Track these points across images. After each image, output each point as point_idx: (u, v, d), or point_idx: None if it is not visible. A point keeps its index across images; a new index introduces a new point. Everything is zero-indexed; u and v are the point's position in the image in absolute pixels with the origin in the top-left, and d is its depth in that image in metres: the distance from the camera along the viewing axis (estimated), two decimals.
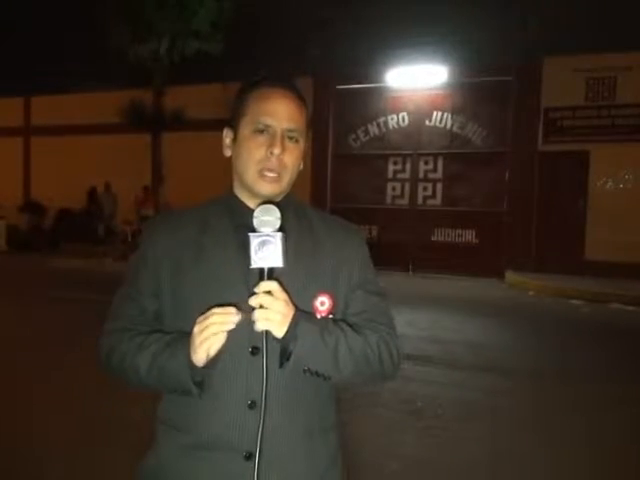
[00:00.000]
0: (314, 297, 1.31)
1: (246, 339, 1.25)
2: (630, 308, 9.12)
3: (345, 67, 13.30)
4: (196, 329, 1.18)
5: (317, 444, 1.34)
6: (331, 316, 1.31)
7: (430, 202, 13.18)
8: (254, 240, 1.18)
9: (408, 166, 13.29)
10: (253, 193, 1.35)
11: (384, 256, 13.22)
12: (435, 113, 12.96)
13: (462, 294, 10.63)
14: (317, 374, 1.25)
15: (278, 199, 1.37)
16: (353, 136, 13.75)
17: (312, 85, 13.92)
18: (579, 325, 8.07)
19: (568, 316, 8.70)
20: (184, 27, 13.39)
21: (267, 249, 1.18)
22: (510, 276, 11.76)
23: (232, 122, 1.36)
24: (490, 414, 4.27)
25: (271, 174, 1.31)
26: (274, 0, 14.25)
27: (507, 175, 12.33)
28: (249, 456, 1.25)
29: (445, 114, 12.88)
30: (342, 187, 13.89)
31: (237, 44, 14.06)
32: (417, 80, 12.85)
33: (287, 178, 1.34)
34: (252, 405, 1.25)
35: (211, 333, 1.16)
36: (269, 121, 1.31)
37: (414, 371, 5.29)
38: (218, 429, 1.26)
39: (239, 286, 1.26)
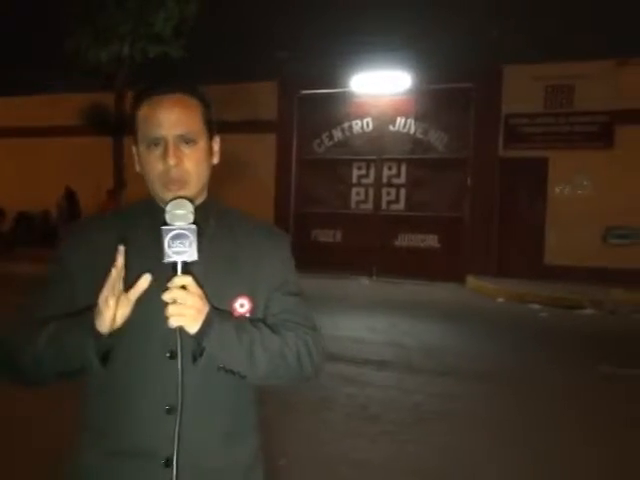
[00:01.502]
0: (234, 299, 1.30)
1: (163, 342, 1.23)
2: (587, 312, 9.30)
3: (310, 72, 13.32)
4: (104, 293, 1.14)
5: (237, 447, 1.33)
6: (248, 316, 1.31)
7: (394, 207, 13.26)
8: (166, 234, 1.16)
9: (372, 171, 13.37)
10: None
11: (348, 261, 13.29)
12: (399, 119, 13.06)
13: (423, 299, 10.71)
14: (232, 372, 1.24)
15: (198, 202, 1.36)
16: (317, 141, 13.77)
17: (277, 90, 13.94)
18: (536, 329, 8.20)
19: (526, 320, 8.83)
20: (146, 30, 13.25)
21: (180, 243, 1.16)
22: (471, 281, 11.90)
23: (133, 137, 1.35)
24: (444, 418, 4.30)
25: (174, 185, 1.29)
26: (239, 4, 14.22)
27: (469, 181, 12.49)
28: (168, 462, 1.23)
29: (408, 120, 12.99)
30: (306, 192, 13.90)
31: (201, 47, 13.98)
32: (381, 86, 12.94)
33: (195, 181, 1.32)
34: (170, 410, 1.24)
35: (118, 291, 1.13)
36: (158, 133, 1.28)
37: (371, 376, 5.31)
38: (137, 435, 1.25)
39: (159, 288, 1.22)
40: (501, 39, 11.76)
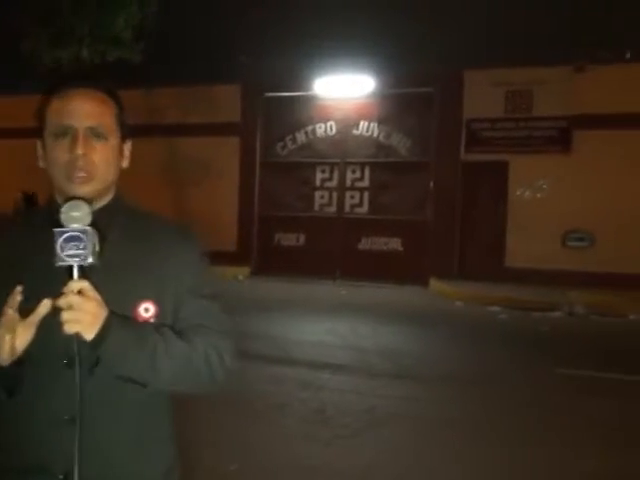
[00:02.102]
0: (138, 304, 1.25)
1: (62, 349, 1.17)
2: (546, 314, 9.42)
3: (274, 75, 13.26)
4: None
5: (146, 460, 1.27)
6: (154, 320, 1.26)
7: (357, 210, 13.28)
8: (59, 236, 1.11)
9: (335, 174, 13.37)
10: (69, 198, 1.27)
11: (311, 264, 13.26)
12: (362, 122, 13.09)
13: (386, 302, 10.73)
14: (133, 381, 1.18)
15: (104, 202, 1.31)
16: (281, 144, 13.72)
17: (240, 92, 13.85)
18: (496, 331, 8.27)
19: (486, 322, 8.90)
20: (104, 32, 13.03)
21: (75, 245, 1.11)
22: (434, 284, 11.97)
23: (40, 133, 1.30)
24: (399, 421, 4.29)
25: (80, 174, 1.24)
26: (202, 7, 14.11)
27: (431, 184, 12.57)
28: (67, 477, 1.17)
29: (371, 124, 13.03)
30: (270, 195, 13.82)
31: (162, 49, 13.82)
32: (344, 89, 12.96)
33: (100, 178, 1.28)
34: (69, 421, 1.17)
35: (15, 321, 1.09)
36: (68, 122, 1.24)
37: (328, 380, 5.27)
38: (35, 449, 1.19)
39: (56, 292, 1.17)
40: (462, 44, 11.88)
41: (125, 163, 1.36)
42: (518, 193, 11.93)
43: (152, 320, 1.25)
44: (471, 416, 4.52)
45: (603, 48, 11.23)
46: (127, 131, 1.36)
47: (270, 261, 13.69)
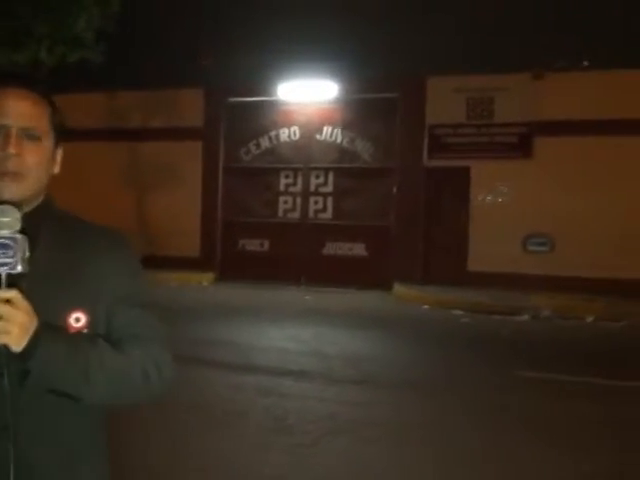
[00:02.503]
0: (68, 313, 1.19)
1: None
2: (508, 317, 9.53)
3: (237, 80, 13.19)
4: None
5: (78, 474, 1.22)
6: (86, 330, 1.20)
7: (321, 216, 13.27)
8: None
9: (299, 180, 13.34)
10: None
11: (275, 270, 13.20)
12: (325, 128, 13.10)
13: (350, 307, 10.73)
14: (65, 394, 1.13)
15: (33, 206, 1.26)
16: (244, 149, 13.64)
17: (203, 97, 13.74)
18: (459, 335, 8.33)
19: (449, 327, 8.97)
20: (65, 33, 12.78)
21: (4, 253, 1.05)
22: (397, 288, 12.01)
23: None
24: (360, 428, 4.26)
25: (9, 176, 1.19)
26: (165, 10, 13.96)
27: (394, 190, 12.63)
28: None
29: (335, 129, 13.05)
30: (233, 200, 13.72)
31: (124, 52, 13.63)
32: (308, 94, 12.96)
33: (32, 179, 1.23)
34: (2, 430, 1.12)
35: None
36: (1, 121, 1.20)
37: (290, 386, 5.22)
38: None
39: None
40: (425, 51, 11.99)
41: (56, 169, 1.31)
42: (480, 198, 12.07)
43: (84, 330, 1.20)
44: (433, 421, 4.52)
45: (561, 56, 11.46)
46: (61, 135, 1.31)
47: (234, 267, 13.57)
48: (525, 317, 9.57)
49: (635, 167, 11.19)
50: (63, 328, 1.17)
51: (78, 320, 1.19)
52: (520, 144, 11.83)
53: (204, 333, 7.67)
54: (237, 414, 4.44)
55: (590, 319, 9.41)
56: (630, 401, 5.19)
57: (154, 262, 13.65)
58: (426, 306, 10.63)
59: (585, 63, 11.52)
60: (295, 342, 7.18)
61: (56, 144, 1.30)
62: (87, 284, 1.23)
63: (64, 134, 1.34)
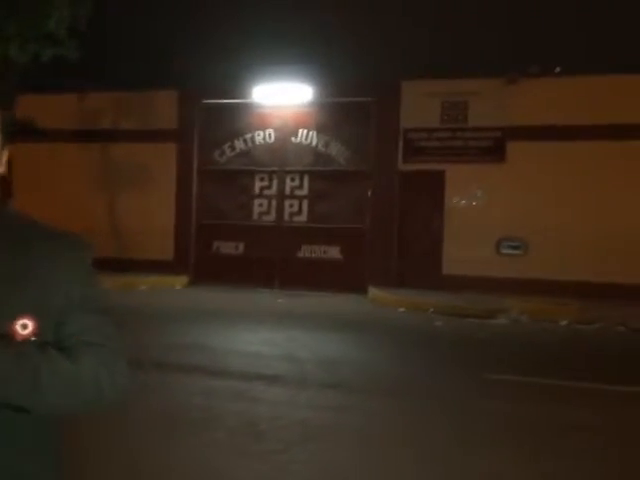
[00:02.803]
0: (14, 320, 1.13)
1: None
2: (482, 321, 9.56)
3: (212, 81, 13.08)
4: None
5: None
6: (34, 339, 1.14)
7: (296, 219, 13.22)
8: None
9: (274, 183, 13.28)
10: None
11: (250, 273, 13.11)
12: (301, 131, 13.06)
13: (324, 310, 10.69)
14: (12, 405, 1.07)
15: None
16: (219, 151, 13.54)
17: (177, 98, 13.60)
18: (433, 339, 8.34)
19: (423, 330, 8.97)
20: (36, 30, 12.56)
21: None
22: (372, 292, 12.00)
23: None
24: (332, 434, 4.22)
25: None
26: (140, 10, 13.81)
27: (369, 193, 12.64)
28: None
29: (310, 132, 13.02)
30: (208, 203, 13.61)
31: (98, 52, 13.45)
32: (283, 97, 12.91)
33: None
34: None
35: None
36: None
37: (262, 391, 5.16)
38: None
39: None
40: (399, 55, 12.03)
41: (2, 169, 1.24)
42: (454, 201, 12.13)
43: (32, 338, 1.13)
44: (406, 426, 4.49)
45: (534, 62, 11.58)
46: (6, 137, 1.24)
47: (208, 270, 13.46)
48: (499, 320, 9.62)
49: (607, 171, 11.34)
50: (9, 335, 1.10)
51: (25, 327, 1.13)
52: (494, 148, 11.92)
53: (176, 337, 7.57)
54: (209, 420, 4.37)
55: (564, 322, 9.49)
56: (603, 404, 5.22)
57: (127, 265, 13.52)
58: (401, 309, 10.64)
59: (557, 69, 11.67)
60: (269, 346, 7.12)
61: (2, 145, 1.23)
62: (36, 289, 1.16)
63: (11, 135, 1.27)
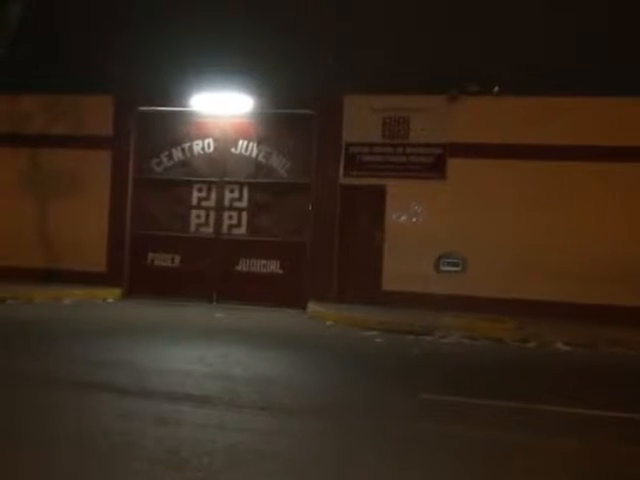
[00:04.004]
0: None
1: None
2: (420, 338, 9.47)
3: (149, 88, 12.70)
4: None
5: None
6: None
7: (235, 231, 12.89)
8: None
9: (213, 194, 12.93)
10: None
11: (187, 286, 12.70)
12: (241, 141, 12.78)
13: (262, 326, 10.41)
14: None
15: None
16: (156, 160, 13.10)
17: (113, 104, 13.13)
18: (370, 356, 8.17)
19: (362, 347, 8.80)
20: None
21: None
22: (312, 307, 11.79)
23: None
24: (261, 460, 3.94)
25: None
26: (76, 12, 13.31)
27: (310, 206, 12.45)
28: None
29: (251, 143, 12.76)
30: (143, 213, 13.13)
31: (29, 53, 12.86)
32: (223, 107, 12.63)
33: None
34: None
35: None
36: None
37: (188, 414, 4.84)
38: None
39: None
40: (341, 69, 11.96)
41: None
42: (394, 217, 12.07)
43: None
44: (338, 451, 4.26)
45: (474, 81, 11.71)
46: None
47: (143, 282, 12.98)
48: (436, 337, 9.54)
49: (542, 190, 11.51)
50: None
51: None
52: (435, 165, 11.94)
53: (101, 354, 7.14)
54: (124, 446, 4.02)
55: (500, 340, 9.49)
56: (540, 424, 5.13)
57: (57, 276, 12.88)
58: (340, 325, 10.45)
59: (496, 89, 11.81)
60: (200, 364, 6.78)
61: None
62: None
63: None
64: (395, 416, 5.15)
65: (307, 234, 12.51)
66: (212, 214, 12.94)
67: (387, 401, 5.69)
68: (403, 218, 12.06)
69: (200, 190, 12.99)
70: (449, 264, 11.88)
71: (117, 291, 12.71)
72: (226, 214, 12.90)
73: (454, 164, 11.84)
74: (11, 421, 4.50)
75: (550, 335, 9.57)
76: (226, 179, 12.85)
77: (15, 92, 13.10)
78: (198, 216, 13.00)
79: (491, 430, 4.87)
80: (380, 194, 12.10)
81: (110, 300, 12.38)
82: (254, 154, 12.76)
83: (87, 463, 3.74)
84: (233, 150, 12.81)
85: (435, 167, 11.94)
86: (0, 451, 3.88)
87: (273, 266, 12.69)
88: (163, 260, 13.07)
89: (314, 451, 4.18)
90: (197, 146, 12.95)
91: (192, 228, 13.03)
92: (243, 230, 12.86)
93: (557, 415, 5.46)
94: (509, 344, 9.38)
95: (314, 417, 5.01)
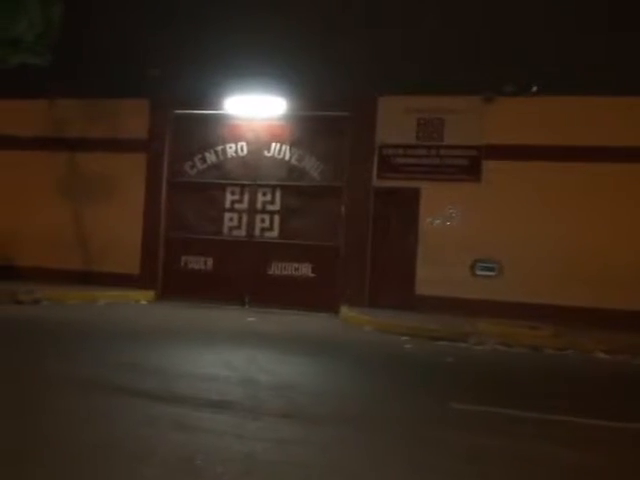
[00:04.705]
0: None
1: None
2: (453, 344, 9.25)
3: (184, 92, 12.78)
4: None
5: None
6: None
7: (268, 234, 12.86)
8: None
9: (246, 197, 12.93)
10: None
11: (219, 289, 12.72)
12: (274, 144, 12.75)
13: (293, 330, 10.32)
14: None
15: None
16: (190, 163, 13.17)
17: (148, 107, 13.25)
18: (401, 362, 8.00)
19: (392, 352, 8.63)
20: (2, 35, 12.15)
21: None
22: (344, 311, 11.67)
23: None
24: (278, 470, 3.83)
25: None
26: (112, 17, 13.47)
27: (343, 209, 12.33)
28: None
29: (284, 146, 12.71)
30: (177, 216, 13.21)
31: (66, 58, 13.06)
32: (257, 110, 12.62)
33: None
34: None
35: None
36: None
37: (208, 420, 4.76)
38: None
39: None
40: (376, 70, 11.80)
41: None
42: (428, 220, 11.86)
43: None
44: (363, 461, 4.13)
45: (511, 81, 11.42)
46: None
47: (176, 285, 13.05)
48: (470, 344, 9.31)
49: (582, 193, 11.17)
50: None
51: None
52: (469, 167, 11.70)
53: (129, 356, 7.14)
54: (143, 454, 3.96)
55: (537, 347, 9.19)
56: (574, 438, 4.90)
57: (92, 278, 13.05)
58: (372, 330, 10.30)
59: (534, 89, 11.50)
60: (226, 368, 6.72)
61: None
62: None
63: None
64: (423, 427, 4.98)
65: (339, 237, 12.40)
66: (245, 217, 12.94)
67: (415, 409, 5.52)
68: (437, 221, 11.85)
69: (233, 193, 13.00)
70: (484, 268, 11.62)
71: (150, 293, 12.81)
72: (258, 217, 12.88)
73: (489, 166, 11.58)
74: (31, 424, 4.49)
75: (589, 343, 9.23)
76: (259, 182, 12.83)
77: (53, 97, 13.34)
78: (231, 219, 13.01)
79: (526, 444, 4.64)
80: (414, 197, 11.92)
81: (143, 302, 12.48)
82: (287, 157, 12.72)
83: (100, 470, 3.69)
84: (266, 153, 12.79)
85: (470, 169, 11.69)
86: (14, 454, 3.87)
87: (305, 269, 12.61)
88: (196, 263, 13.11)
89: (332, 462, 4.05)
90: (230, 149, 12.97)
91: (225, 231, 13.04)
92: (275, 233, 12.81)
93: (598, 429, 5.19)
94: (546, 352, 9.08)
95: (337, 426, 4.88)
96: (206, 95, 12.71)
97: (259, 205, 12.87)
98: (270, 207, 12.83)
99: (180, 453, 3.99)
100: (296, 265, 12.64)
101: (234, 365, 6.93)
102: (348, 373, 7.12)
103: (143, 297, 12.62)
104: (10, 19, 12.06)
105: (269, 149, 12.78)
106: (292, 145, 12.67)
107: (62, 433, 4.34)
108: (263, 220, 12.85)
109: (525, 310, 10.82)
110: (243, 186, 12.92)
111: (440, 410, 5.51)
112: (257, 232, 12.87)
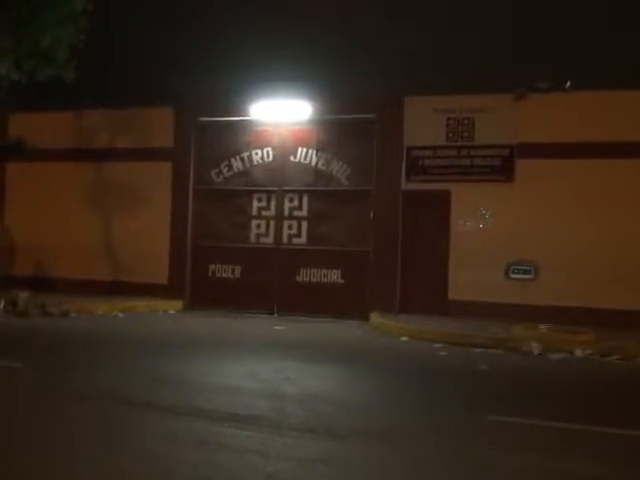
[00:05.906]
0: None
1: None
2: (488, 351, 8.90)
3: (208, 99, 12.69)
4: None
5: None
6: None
7: (295, 241, 12.65)
8: None
9: (273, 203, 12.75)
10: None
11: (247, 298, 12.54)
12: (300, 149, 12.56)
13: (322, 338, 10.07)
14: None
15: None
16: (216, 170, 13.05)
17: (173, 115, 13.19)
18: (434, 371, 7.68)
19: (426, 361, 8.32)
20: (30, 48, 12.21)
21: None
22: (374, 318, 11.39)
23: None
24: None
25: None
26: (136, 28, 13.46)
27: (371, 214, 12.06)
28: None
29: (310, 150, 12.51)
30: (204, 224, 13.10)
31: (94, 70, 13.09)
32: (282, 115, 12.46)
33: None
34: None
35: None
36: None
37: (230, 436, 4.53)
38: None
39: None
40: (403, 70, 11.53)
41: None
42: (460, 223, 11.51)
43: None
44: None
45: (543, 77, 11.04)
46: None
47: (204, 294, 12.92)
48: (506, 350, 8.93)
49: (620, 190, 10.72)
50: None
51: None
52: (502, 167, 11.33)
53: (154, 368, 6.99)
54: (159, 472, 3.75)
55: (577, 353, 8.77)
56: (620, 452, 4.55)
57: (120, 288, 13.01)
58: (404, 338, 9.98)
59: (568, 84, 11.09)
60: (252, 380, 6.50)
61: None
62: None
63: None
64: (458, 443, 4.67)
65: (369, 242, 12.12)
66: (272, 224, 12.76)
67: (450, 423, 5.21)
68: (469, 224, 11.49)
69: (260, 200, 12.83)
70: (520, 271, 11.21)
71: (178, 303, 12.70)
72: (286, 223, 12.69)
73: (523, 165, 11.19)
74: (47, 438, 4.33)
75: (633, 348, 8.78)
76: (285, 188, 12.64)
77: (80, 108, 13.38)
78: (258, 226, 12.85)
79: (569, 462, 4.31)
80: (444, 199, 11.58)
81: (171, 312, 12.37)
82: (313, 162, 12.51)
83: None
84: (292, 158, 12.60)
85: (502, 169, 11.31)
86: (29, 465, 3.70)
87: (334, 276, 12.36)
88: (224, 271, 12.97)
89: None
90: (256, 155, 12.81)
91: (252, 238, 12.88)
92: (303, 239, 12.60)
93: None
94: (587, 358, 8.65)
95: (365, 442, 4.61)
96: (231, 101, 12.60)
97: (286, 211, 12.68)
98: (297, 213, 12.63)
99: (200, 472, 3.77)
100: (325, 271, 12.40)
101: (260, 377, 6.72)
102: (378, 383, 6.85)
103: (171, 307, 12.52)
104: (39, 33, 12.12)
105: (295, 154, 12.59)
106: (318, 149, 12.46)
107: (77, 450, 4.16)
108: (290, 226, 12.65)
109: (564, 314, 10.39)
110: (270, 192, 12.75)
111: (475, 423, 5.20)
112: (285, 239, 12.68)
